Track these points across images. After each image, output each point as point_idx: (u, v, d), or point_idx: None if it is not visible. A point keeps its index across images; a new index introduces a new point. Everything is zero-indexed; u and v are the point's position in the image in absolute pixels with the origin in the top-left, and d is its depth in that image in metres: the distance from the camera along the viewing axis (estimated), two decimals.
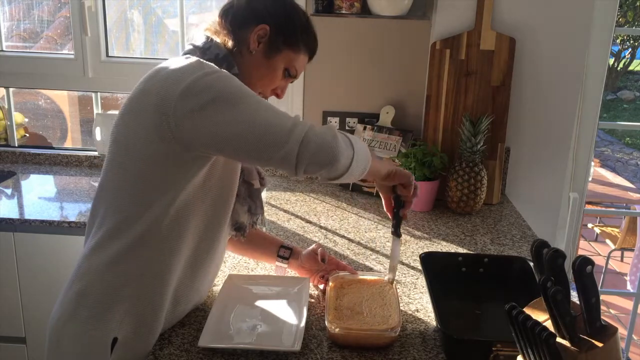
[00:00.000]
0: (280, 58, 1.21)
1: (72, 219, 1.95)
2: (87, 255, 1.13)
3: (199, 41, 1.20)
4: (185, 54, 1.18)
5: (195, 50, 1.18)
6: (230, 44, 1.19)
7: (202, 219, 1.17)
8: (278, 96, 1.28)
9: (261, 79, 1.22)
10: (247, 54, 1.20)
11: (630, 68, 10.90)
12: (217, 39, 1.20)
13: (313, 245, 1.44)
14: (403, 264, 1.58)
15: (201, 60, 1.09)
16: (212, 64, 1.10)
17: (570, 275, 0.83)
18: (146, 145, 1.06)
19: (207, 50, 1.17)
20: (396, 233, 1.31)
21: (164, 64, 1.10)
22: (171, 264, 1.13)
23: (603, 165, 6.49)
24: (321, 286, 1.39)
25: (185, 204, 1.11)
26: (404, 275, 1.51)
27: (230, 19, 1.20)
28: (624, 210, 4.76)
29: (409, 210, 1.32)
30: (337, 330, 1.15)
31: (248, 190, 1.28)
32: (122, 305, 1.11)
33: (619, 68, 10.45)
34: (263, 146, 1.01)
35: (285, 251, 1.44)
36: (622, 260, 4.70)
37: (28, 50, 2.58)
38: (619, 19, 9.00)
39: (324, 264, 1.40)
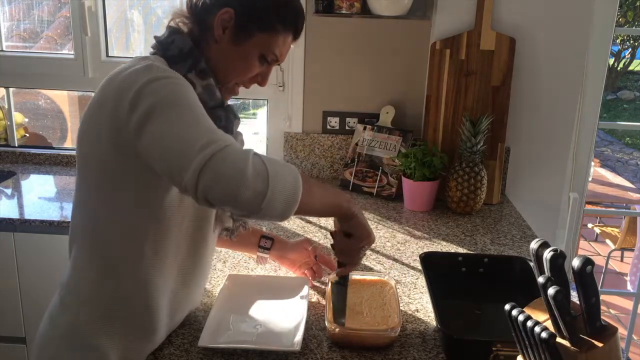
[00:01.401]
0: (253, 43, 1.09)
1: None
2: (72, 272, 1.11)
3: (163, 35, 1.10)
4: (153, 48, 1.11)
5: (158, 46, 1.09)
6: (197, 34, 1.10)
7: (185, 235, 1.12)
8: (260, 84, 1.17)
9: (234, 69, 1.11)
10: (214, 43, 1.09)
11: (630, 68, 10.91)
12: (185, 29, 1.11)
13: (302, 239, 1.44)
14: (403, 264, 1.58)
15: (150, 65, 0.99)
16: (161, 66, 1.00)
17: (570, 275, 0.83)
18: (107, 163, 1.01)
19: (170, 45, 1.08)
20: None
21: (118, 69, 1.02)
22: (159, 282, 1.09)
23: (603, 165, 6.49)
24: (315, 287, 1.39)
25: (164, 222, 1.06)
26: (404, 275, 1.51)
27: (194, 5, 1.11)
28: (624, 210, 4.76)
29: (343, 271, 1.19)
30: (337, 330, 1.15)
31: None
32: (116, 324, 1.09)
33: (619, 68, 10.46)
34: (174, 170, 0.89)
35: (266, 241, 1.41)
36: (622, 260, 4.70)
37: (28, 50, 2.58)
38: (619, 19, 8.99)
39: (315, 260, 1.40)
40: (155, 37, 1.11)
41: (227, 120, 1.11)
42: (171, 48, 1.07)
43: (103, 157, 1.01)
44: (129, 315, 1.09)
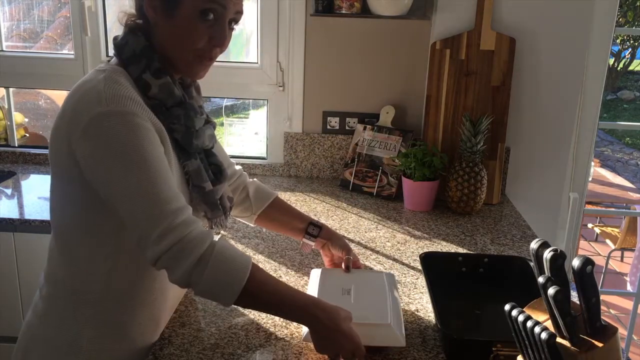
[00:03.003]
0: (185, 7, 1.02)
1: None
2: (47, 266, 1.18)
3: (119, 36, 1.10)
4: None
5: (115, 49, 1.09)
6: (145, 26, 1.08)
7: None
8: (219, 46, 1.08)
9: (181, 42, 1.05)
10: (155, 28, 1.06)
11: (630, 68, 10.90)
12: (136, 24, 1.09)
13: (347, 243, 1.42)
14: (403, 264, 1.58)
15: (104, 88, 0.99)
16: (114, 88, 0.99)
17: (570, 275, 0.83)
18: (71, 189, 1.06)
19: (124, 47, 1.07)
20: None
21: (80, 82, 1.05)
22: (120, 275, 1.11)
23: (603, 165, 6.49)
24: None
25: (132, 249, 1.05)
26: (404, 275, 1.51)
27: None
28: (624, 210, 4.76)
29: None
30: None
31: (200, 194, 1.13)
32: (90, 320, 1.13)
33: (619, 68, 10.45)
34: (135, 236, 1.00)
35: (314, 229, 1.40)
36: (622, 260, 4.70)
37: (28, 50, 2.58)
38: (619, 19, 8.99)
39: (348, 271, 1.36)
40: (114, 39, 1.10)
41: (186, 118, 1.09)
42: (125, 50, 1.07)
43: (66, 168, 1.05)
44: (101, 312, 1.12)
